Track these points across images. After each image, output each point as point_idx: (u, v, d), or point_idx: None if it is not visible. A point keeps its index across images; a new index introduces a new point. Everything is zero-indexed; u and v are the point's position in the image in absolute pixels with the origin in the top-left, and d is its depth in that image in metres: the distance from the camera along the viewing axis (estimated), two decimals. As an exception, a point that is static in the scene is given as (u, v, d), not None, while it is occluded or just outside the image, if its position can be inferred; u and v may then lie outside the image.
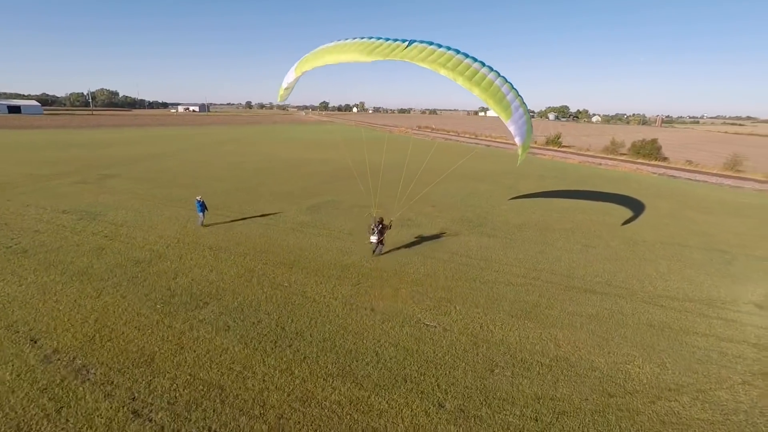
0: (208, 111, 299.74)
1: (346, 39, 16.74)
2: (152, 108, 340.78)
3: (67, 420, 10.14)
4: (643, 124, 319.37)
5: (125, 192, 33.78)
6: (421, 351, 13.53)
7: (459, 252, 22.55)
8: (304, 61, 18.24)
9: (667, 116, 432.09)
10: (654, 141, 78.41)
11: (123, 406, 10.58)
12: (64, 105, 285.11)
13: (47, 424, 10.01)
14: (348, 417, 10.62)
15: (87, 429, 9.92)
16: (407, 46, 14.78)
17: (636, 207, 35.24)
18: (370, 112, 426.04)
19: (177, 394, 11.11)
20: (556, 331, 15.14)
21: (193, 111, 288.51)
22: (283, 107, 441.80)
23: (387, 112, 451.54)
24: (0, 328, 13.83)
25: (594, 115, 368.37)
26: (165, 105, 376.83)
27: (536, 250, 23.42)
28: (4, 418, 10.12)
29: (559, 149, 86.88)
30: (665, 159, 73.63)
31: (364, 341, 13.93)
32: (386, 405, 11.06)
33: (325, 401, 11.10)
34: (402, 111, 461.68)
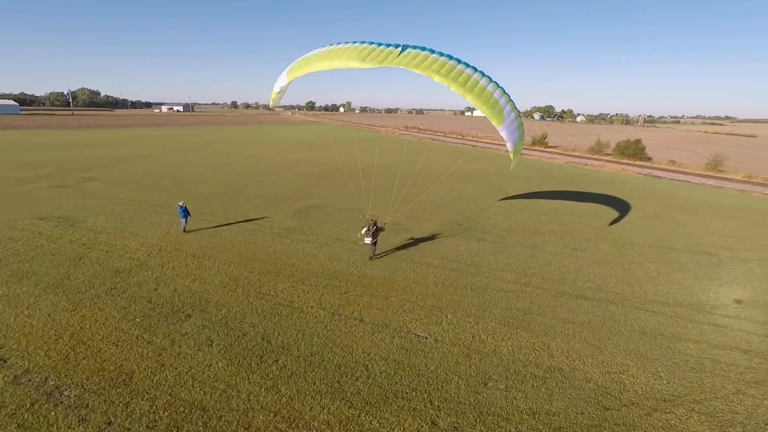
0: (193, 111, 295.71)
1: (338, 44, 16.41)
2: (135, 108, 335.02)
3: (38, 449, 9.52)
4: (626, 123, 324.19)
5: (106, 196, 32.77)
6: (413, 364, 13.14)
7: (449, 257, 22.24)
8: (296, 67, 17.78)
9: (649, 116, 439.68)
10: (638, 141, 79.33)
11: (98, 432, 9.98)
12: (44, 105, 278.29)
13: (15, 453, 9.38)
14: (337, 438, 10.19)
15: (59, 458, 9.31)
16: (401, 52, 14.50)
17: (623, 209, 35.39)
18: (357, 112, 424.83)
19: (156, 417, 10.53)
20: (549, 340, 14.89)
21: (177, 111, 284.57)
22: (269, 107, 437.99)
23: (374, 112, 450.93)
24: (-33, 346, 13.07)
25: (578, 115, 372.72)
26: (148, 105, 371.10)
27: (526, 255, 23.23)
28: (-32, 448, 9.46)
29: (545, 149, 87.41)
30: (649, 159, 74.58)
31: (354, 354, 13.49)
32: (377, 424, 10.64)
33: (313, 421, 10.64)
34: (389, 111, 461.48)
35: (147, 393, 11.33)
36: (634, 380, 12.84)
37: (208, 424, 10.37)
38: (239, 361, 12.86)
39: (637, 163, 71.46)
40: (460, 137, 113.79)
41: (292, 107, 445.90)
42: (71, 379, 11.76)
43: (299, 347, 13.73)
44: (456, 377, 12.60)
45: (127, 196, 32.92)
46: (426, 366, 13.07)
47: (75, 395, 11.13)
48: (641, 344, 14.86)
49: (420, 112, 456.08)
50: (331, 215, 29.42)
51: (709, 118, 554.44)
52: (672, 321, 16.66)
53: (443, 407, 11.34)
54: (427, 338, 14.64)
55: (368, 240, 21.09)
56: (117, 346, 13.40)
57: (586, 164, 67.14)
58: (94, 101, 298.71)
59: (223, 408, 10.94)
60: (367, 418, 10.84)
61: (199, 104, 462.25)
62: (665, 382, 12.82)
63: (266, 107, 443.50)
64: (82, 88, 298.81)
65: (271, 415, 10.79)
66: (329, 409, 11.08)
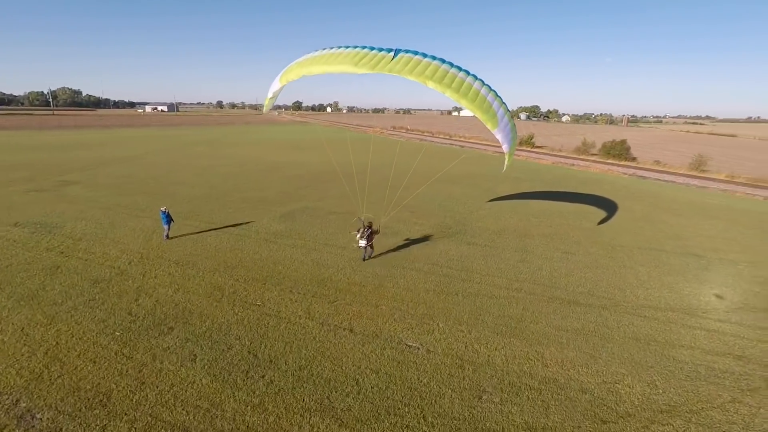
0: (177, 111, 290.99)
1: (331, 48, 16.23)
2: (118, 108, 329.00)
3: (6, 480, 8.90)
4: (611, 123, 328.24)
5: (86, 200, 31.76)
6: (405, 377, 12.74)
7: (439, 262, 21.91)
8: (290, 71, 17.51)
9: (632, 116, 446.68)
10: (623, 142, 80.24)
11: (72, 459, 9.39)
12: (23, 104, 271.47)
13: (-19, 486, 8.75)
14: (328, 460, 9.74)
15: (29, 490, 8.70)
16: (393, 57, 14.29)
17: (611, 210, 35.50)
18: (344, 111, 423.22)
19: (136, 441, 9.97)
20: (543, 348, 14.63)
21: (162, 111, 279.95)
22: (255, 107, 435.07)
23: (361, 111, 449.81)
24: (-68, 366, 12.31)
25: (564, 114, 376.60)
26: (132, 104, 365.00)
27: (517, 259, 23.01)
28: (-71, 481, 8.79)
29: (533, 149, 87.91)
30: (634, 159, 75.49)
31: (344, 368, 13.04)
32: (369, 444, 10.22)
33: (302, 442, 10.18)
34: (376, 111, 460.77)
35: (126, 414, 10.74)
36: (630, 390, 12.62)
37: (191, 448, 9.84)
38: (224, 377, 12.32)
39: (622, 163, 72.25)
40: (447, 137, 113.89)
41: (278, 107, 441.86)
42: (44, 400, 11.11)
43: (287, 361, 13.24)
44: (450, 390, 12.24)
45: (108, 200, 31.96)
46: (418, 379, 12.69)
47: (48, 418, 10.49)
48: (635, 351, 14.68)
49: (407, 111, 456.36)
50: (319, 219, 28.90)
51: (690, 117, 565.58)
52: (664, 326, 16.55)
53: (437, 423, 10.96)
54: (419, 349, 14.25)
55: (362, 243, 21.00)
56: (95, 363, 12.75)
57: (573, 164, 67.59)
58: (75, 101, 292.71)
59: (207, 429, 10.40)
60: (359, 437, 10.41)
61: (184, 104, 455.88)
62: (661, 391, 12.63)
63: (252, 107, 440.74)
64: (63, 88, 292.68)
65: (258, 436, 10.30)
66: (319, 427, 10.61)
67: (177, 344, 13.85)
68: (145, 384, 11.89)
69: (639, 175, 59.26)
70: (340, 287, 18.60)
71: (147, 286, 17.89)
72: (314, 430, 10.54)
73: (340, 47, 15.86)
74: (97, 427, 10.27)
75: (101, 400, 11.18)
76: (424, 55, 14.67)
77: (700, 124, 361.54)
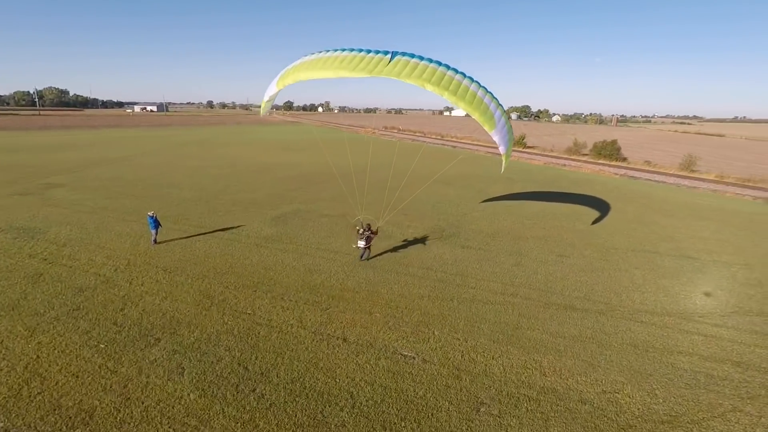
0: (167, 111, 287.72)
1: (327, 51, 15.89)
2: (106, 108, 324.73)
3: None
4: (600, 123, 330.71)
5: (71, 204, 30.99)
6: (400, 389, 12.39)
7: (434, 267, 21.59)
8: (286, 75, 17.24)
9: (622, 115, 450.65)
10: (614, 142, 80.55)
11: (51, 484, 8.91)
12: (8, 104, 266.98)
13: None
14: (321, 480, 9.35)
15: None
16: (390, 60, 14.04)
17: (604, 211, 35.47)
18: (336, 111, 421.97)
19: (119, 463, 9.50)
20: (540, 356, 14.35)
21: (151, 111, 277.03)
22: (246, 107, 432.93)
23: (353, 111, 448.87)
24: None
25: (554, 114, 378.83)
26: (120, 104, 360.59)
27: (511, 263, 22.77)
28: None
29: (524, 150, 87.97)
30: (624, 159, 75.81)
31: (337, 380, 12.65)
32: (364, 462, 9.85)
33: (294, 461, 9.78)
34: (368, 110, 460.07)
35: (109, 434, 10.26)
36: (630, 400, 12.39)
37: (178, 470, 9.40)
38: (213, 392, 11.87)
39: (613, 163, 72.51)
40: (440, 137, 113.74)
41: (270, 107, 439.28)
42: (23, 419, 10.59)
43: (278, 373, 12.82)
44: (447, 403, 11.91)
45: (94, 204, 31.22)
46: (414, 391, 12.34)
47: (26, 439, 9.99)
48: (633, 359, 14.47)
49: (399, 111, 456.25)
50: (311, 222, 28.46)
51: (678, 117, 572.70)
52: (662, 332, 16.37)
53: (434, 439, 10.62)
54: (414, 358, 13.91)
55: (361, 244, 21.18)
56: (77, 377, 12.23)
57: (565, 165, 67.72)
58: (62, 101, 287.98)
59: (195, 449, 9.97)
60: (354, 454, 10.04)
61: (174, 104, 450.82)
62: (661, 400, 12.41)
63: (243, 107, 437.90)
64: (50, 87, 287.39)
65: (248, 455, 9.88)
66: (312, 445, 10.24)
67: (164, 356, 13.37)
68: (131, 400, 11.41)
69: (630, 175, 59.48)
70: (332, 294, 18.20)
71: (133, 295, 17.35)
72: (307, 447, 10.16)
73: (336, 50, 15.54)
74: (79, 449, 9.79)
75: (83, 419, 10.68)
76: (421, 58, 14.43)
77: (688, 123, 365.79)
